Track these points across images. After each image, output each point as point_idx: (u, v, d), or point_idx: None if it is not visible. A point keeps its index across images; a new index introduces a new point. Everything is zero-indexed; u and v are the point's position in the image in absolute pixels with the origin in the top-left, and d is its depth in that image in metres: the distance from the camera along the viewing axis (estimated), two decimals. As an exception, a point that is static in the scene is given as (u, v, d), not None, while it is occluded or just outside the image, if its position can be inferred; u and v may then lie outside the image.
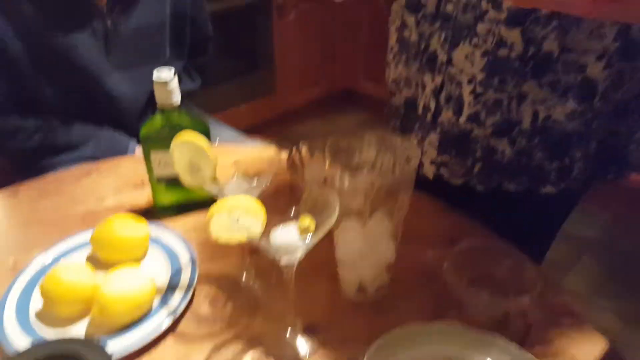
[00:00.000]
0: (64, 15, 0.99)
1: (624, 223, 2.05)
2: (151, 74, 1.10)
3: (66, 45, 0.99)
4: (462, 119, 0.75)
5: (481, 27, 0.69)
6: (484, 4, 0.68)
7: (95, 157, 1.06)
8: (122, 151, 1.07)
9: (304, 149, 0.75)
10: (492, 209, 0.79)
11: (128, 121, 1.11)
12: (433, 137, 0.79)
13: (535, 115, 0.71)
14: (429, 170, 0.82)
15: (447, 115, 0.76)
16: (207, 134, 0.70)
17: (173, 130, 0.62)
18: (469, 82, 0.72)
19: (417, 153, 0.58)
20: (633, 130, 0.76)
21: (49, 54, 0.99)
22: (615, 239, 1.99)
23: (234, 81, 2.36)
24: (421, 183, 0.78)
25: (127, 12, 1.04)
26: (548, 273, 0.65)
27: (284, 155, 0.71)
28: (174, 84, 0.66)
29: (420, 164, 0.81)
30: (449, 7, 0.72)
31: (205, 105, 2.18)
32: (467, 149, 0.77)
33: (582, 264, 1.89)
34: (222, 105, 2.36)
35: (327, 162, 0.62)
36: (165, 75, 0.66)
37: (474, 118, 0.74)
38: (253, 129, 2.54)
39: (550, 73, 0.68)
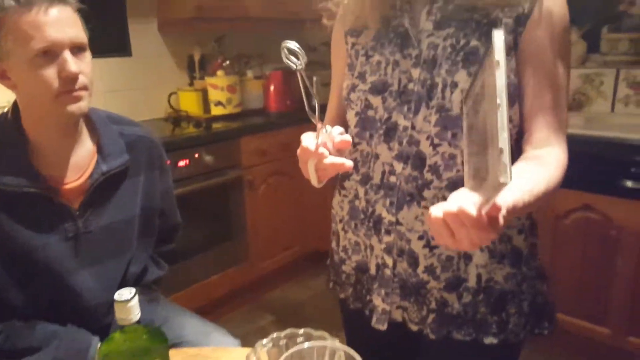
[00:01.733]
0: (36, 218, 1.02)
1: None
2: (118, 267, 1.16)
3: (36, 247, 1.02)
4: (419, 269, 0.87)
5: (428, 193, 0.85)
6: (427, 175, 0.85)
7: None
8: (83, 351, 1.05)
9: (261, 353, 0.77)
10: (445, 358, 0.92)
11: (94, 316, 1.11)
12: (395, 286, 0.90)
13: (479, 276, 0.86)
14: (397, 314, 0.92)
15: (402, 266, 0.89)
16: (165, 346, 0.71)
17: (132, 346, 0.63)
18: (420, 237, 0.86)
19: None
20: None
21: (18, 256, 1.01)
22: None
23: (208, 253, 2.41)
24: (386, 333, 0.91)
25: (99, 212, 1.09)
26: None
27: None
28: (134, 302, 0.69)
29: (389, 312, 0.92)
30: (392, 179, 0.87)
31: (179, 279, 2.22)
32: (423, 298, 0.89)
33: None
34: (196, 277, 2.37)
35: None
36: (126, 295, 0.69)
37: (429, 271, 0.87)
38: (227, 298, 2.53)
39: None
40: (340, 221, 0.99)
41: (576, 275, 1.99)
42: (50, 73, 0.95)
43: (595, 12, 2.35)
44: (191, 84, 2.79)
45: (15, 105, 1.04)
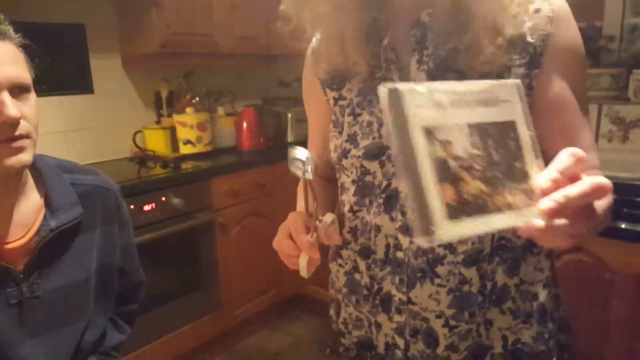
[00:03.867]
0: None
1: None
2: (71, 334, 1.00)
3: None
4: (439, 349, 0.77)
5: (441, 269, 0.74)
6: (439, 250, 0.74)
7: None
8: None
9: None
10: None
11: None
12: None
13: (504, 339, 0.78)
14: None
15: (417, 347, 0.79)
16: None
17: None
18: (438, 317, 0.76)
19: None
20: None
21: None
22: None
23: (177, 302, 2.23)
24: None
25: (48, 274, 0.95)
26: None
27: None
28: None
29: None
30: (399, 254, 0.76)
31: (146, 332, 2.04)
32: None
33: None
34: (165, 329, 2.19)
35: None
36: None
37: (451, 348, 0.78)
38: (200, 350, 2.35)
39: (509, 301, 0.77)
40: (339, 292, 0.89)
41: (570, 318, 1.92)
42: None
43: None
44: (158, 122, 2.66)
45: None
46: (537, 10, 0.71)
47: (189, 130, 2.52)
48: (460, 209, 0.47)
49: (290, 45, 0.84)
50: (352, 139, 0.80)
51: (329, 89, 0.85)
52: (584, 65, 0.76)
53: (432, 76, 0.73)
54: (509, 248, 0.75)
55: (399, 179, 0.54)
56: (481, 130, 0.51)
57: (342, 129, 0.82)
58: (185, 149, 2.54)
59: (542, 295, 0.80)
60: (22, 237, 0.92)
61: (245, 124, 2.77)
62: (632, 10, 2.35)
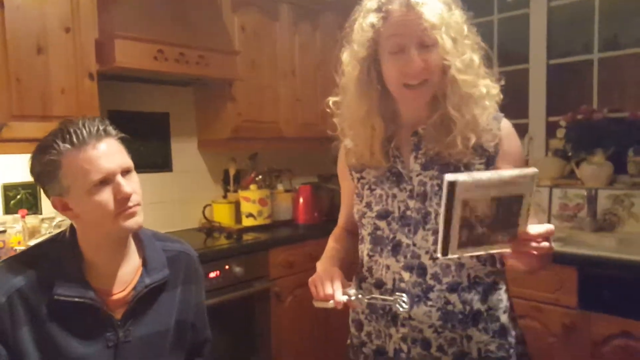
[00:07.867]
0: (83, 328, 1.08)
1: None
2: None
3: (80, 356, 1.07)
4: (432, 349, 1.10)
5: (432, 295, 1.09)
6: (430, 282, 1.10)
7: None
8: None
9: None
10: None
11: None
12: None
13: (479, 349, 1.11)
14: None
15: (416, 351, 1.12)
16: None
17: None
18: (429, 327, 1.10)
19: None
20: None
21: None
22: None
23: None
24: None
25: (138, 323, 1.15)
26: None
27: None
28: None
29: None
30: (402, 285, 1.11)
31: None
32: None
33: None
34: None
35: None
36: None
37: (441, 349, 1.10)
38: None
39: (483, 322, 1.11)
40: (362, 312, 1.21)
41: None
42: (107, 197, 1.06)
43: (619, 135, 2.44)
44: (225, 197, 2.96)
45: (72, 227, 1.15)
46: (490, 130, 1.10)
47: (252, 204, 2.79)
48: (468, 243, 0.86)
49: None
50: (368, 205, 1.19)
51: (354, 171, 1.24)
52: (522, 162, 1.15)
53: (424, 167, 1.12)
54: (480, 284, 1.11)
55: (440, 221, 0.85)
56: (498, 201, 0.86)
57: (362, 199, 1.20)
58: (247, 222, 2.80)
59: (503, 318, 1.13)
60: (123, 290, 1.15)
61: (301, 200, 3.02)
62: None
